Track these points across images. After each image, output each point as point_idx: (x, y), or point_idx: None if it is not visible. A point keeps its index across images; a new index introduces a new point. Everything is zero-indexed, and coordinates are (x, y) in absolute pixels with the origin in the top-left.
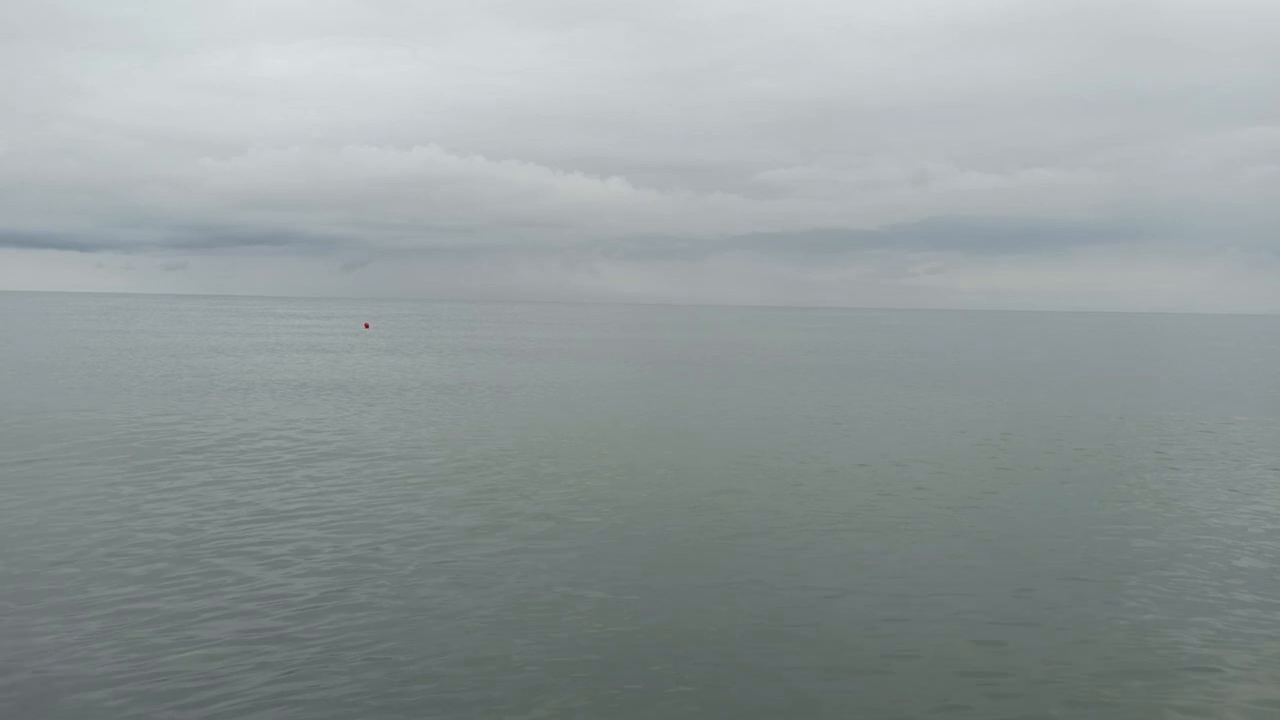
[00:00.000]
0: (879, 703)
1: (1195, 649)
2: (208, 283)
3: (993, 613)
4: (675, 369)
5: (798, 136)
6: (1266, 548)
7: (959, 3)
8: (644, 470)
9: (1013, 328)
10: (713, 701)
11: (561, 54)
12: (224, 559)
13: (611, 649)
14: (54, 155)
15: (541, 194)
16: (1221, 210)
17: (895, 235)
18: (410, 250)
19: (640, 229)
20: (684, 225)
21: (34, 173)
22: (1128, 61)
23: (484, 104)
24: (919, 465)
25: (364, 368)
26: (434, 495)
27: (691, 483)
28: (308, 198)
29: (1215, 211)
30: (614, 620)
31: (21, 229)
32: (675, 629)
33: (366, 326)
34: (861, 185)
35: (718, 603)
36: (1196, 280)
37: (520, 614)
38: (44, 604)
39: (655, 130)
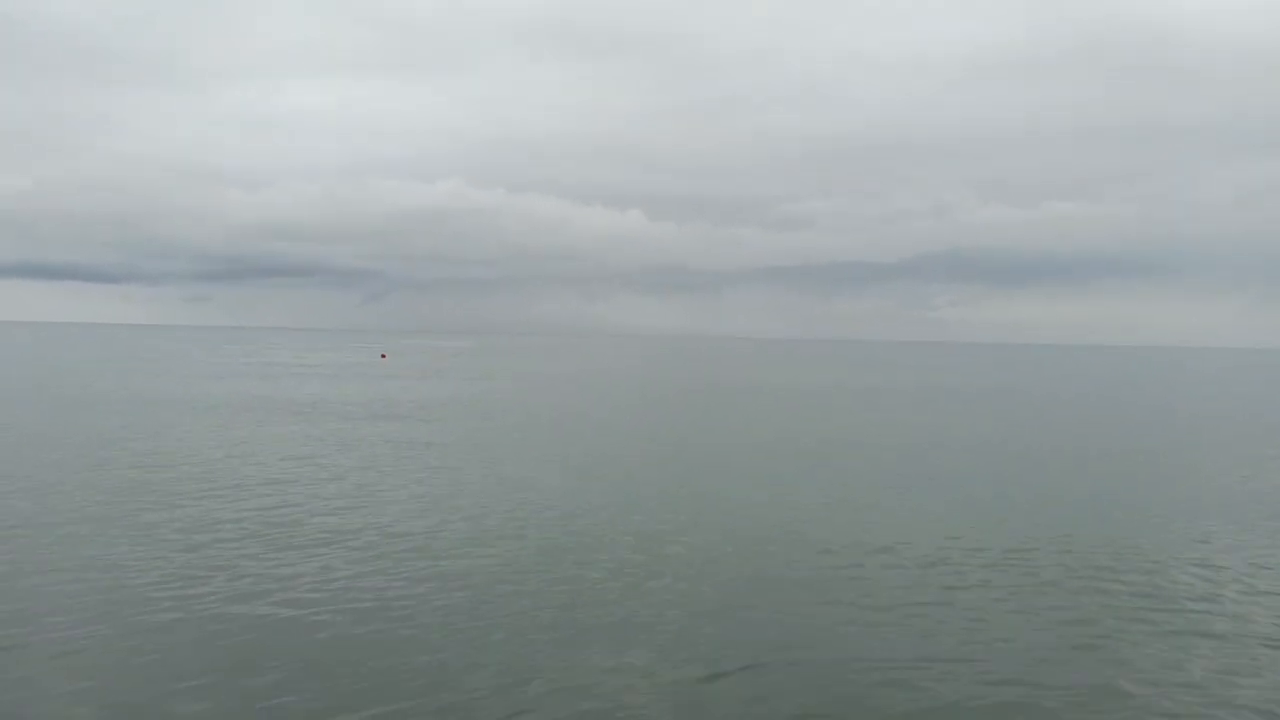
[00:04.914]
0: None
1: None
2: (231, 314)
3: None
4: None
5: (817, 170)
6: None
7: (977, 37)
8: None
9: (1034, 366)
10: None
11: (582, 88)
12: None
13: None
14: (82, 188)
15: (561, 226)
16: (1242, 243)
17: (916, 268)
18: (430, 282)
19: (659, 261)
20: (703, 258)
21: (62, 206)
22: (1148, 94)
23: (506, 137)
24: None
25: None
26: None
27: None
28: (331, 230)
29: (1235, 245)
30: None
31: (50, 261)
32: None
33: (384, 357)
34: (882, 218)
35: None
36: (1217, 314)
37: None
38: None
39: (674, 163)
